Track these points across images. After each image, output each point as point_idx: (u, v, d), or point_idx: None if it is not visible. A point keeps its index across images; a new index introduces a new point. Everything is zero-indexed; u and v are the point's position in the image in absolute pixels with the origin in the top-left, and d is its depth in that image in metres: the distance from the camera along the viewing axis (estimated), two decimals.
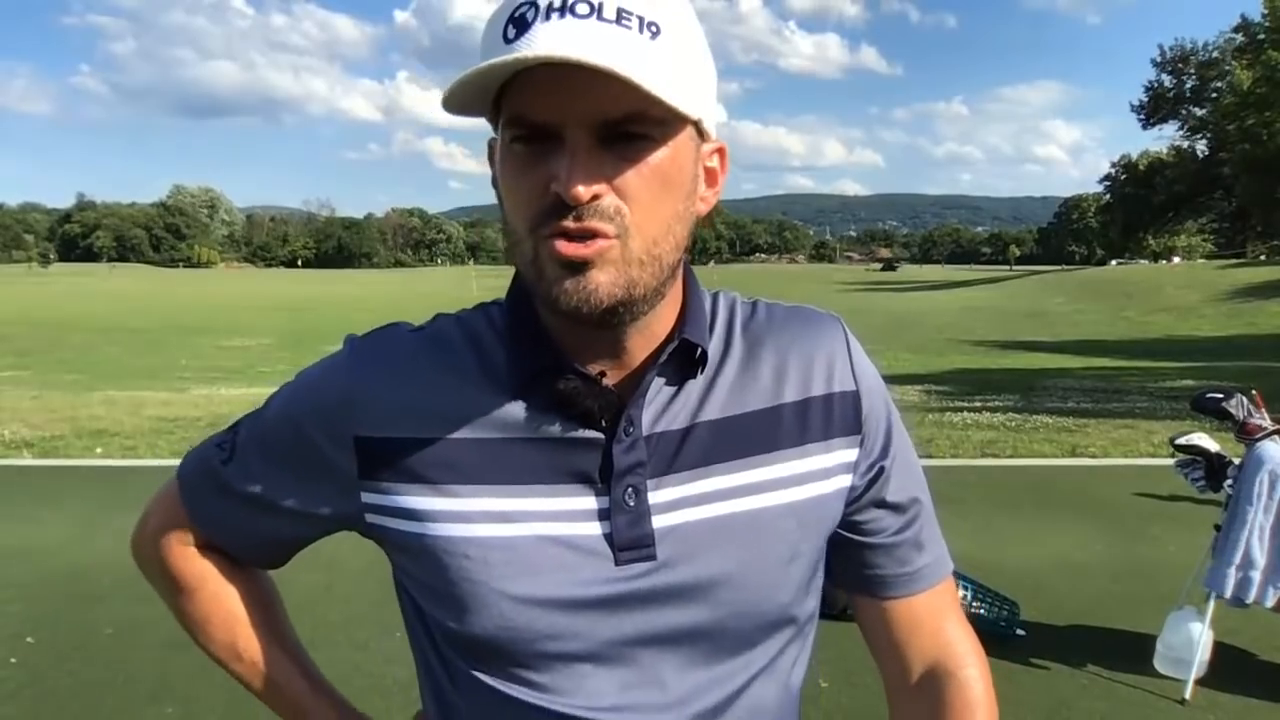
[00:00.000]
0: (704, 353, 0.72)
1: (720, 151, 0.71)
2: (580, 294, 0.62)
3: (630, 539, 0.69)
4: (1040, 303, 35.42)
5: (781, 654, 0.76)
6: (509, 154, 0.64)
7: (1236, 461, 3.18)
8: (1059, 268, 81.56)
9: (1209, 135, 56.36)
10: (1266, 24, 43.37)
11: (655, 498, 0.70)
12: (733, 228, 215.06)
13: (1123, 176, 68.12)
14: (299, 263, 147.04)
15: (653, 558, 0.69)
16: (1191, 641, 3.07)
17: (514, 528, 0.69)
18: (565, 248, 0.62)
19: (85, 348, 19.06)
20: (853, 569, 0.80)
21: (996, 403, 9.54)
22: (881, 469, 0.77)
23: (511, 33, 0.60)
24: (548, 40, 0.58)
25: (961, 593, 3.46)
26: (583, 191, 0.60)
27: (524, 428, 0.70)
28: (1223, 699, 3.03)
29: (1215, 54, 53.40)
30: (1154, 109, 57.62)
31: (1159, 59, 56.77)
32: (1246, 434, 3.15)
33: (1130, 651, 3.33)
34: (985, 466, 6.55)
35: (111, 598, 3.92)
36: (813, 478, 0.74)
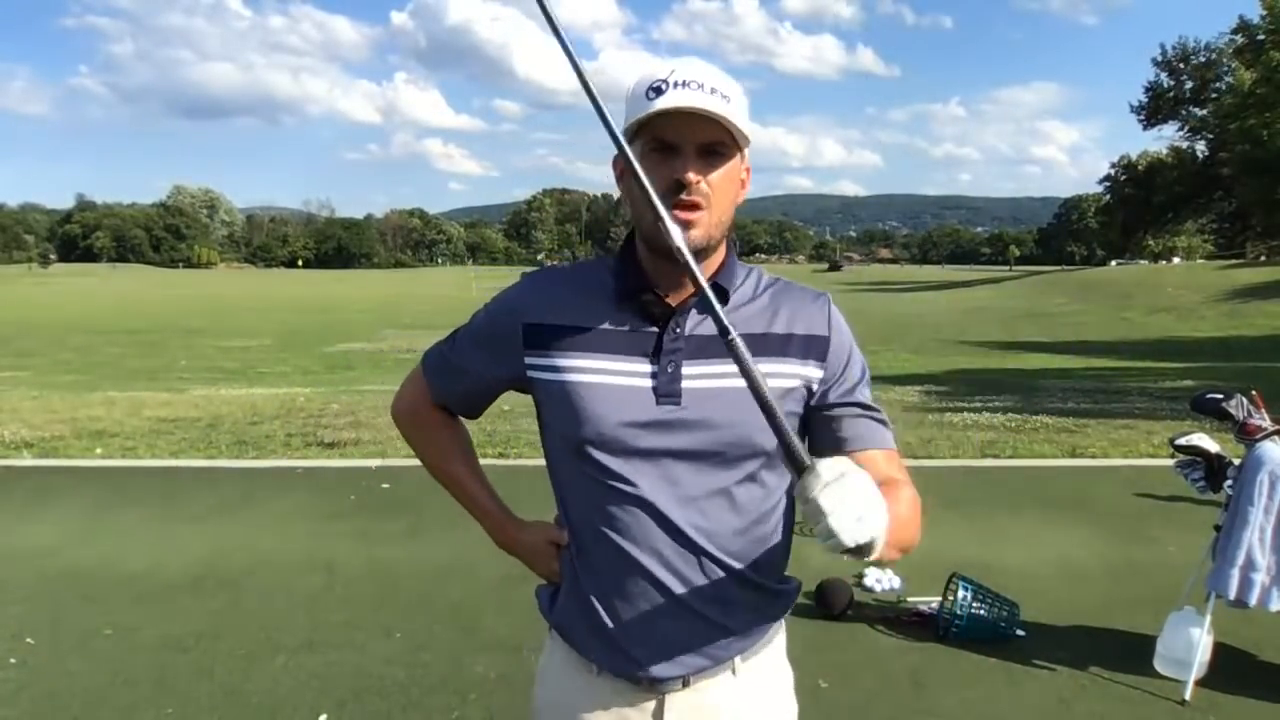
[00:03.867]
0: (728, 293, 1.21)
1: (748, 170, 1.23)
2: (686, 239, 1.07)
3: (667, 391, 1.18)
4: (1040, 303, 35.43)
5: (758, 473, 1.21)
6: (646, 158, 1.13)
7: (1236, 462, 3.18)
8: (1059, 268, 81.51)
9: (1209, 136, 56.32)
10: (1266, 24, 43.35)
11: (686, 370, 1.19)
12: (733, 228, 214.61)
13: (1122, 177, 68.09)
14: (299, 263, 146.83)
15: (679, 403, 1.18)
16: (1191, 642, 3.06)
17: (603, 378, 1.20)
18: (681, 213, 1.13)
19: (85, 348, 19.06)
20: (829, 435, 1.25)
21: (996, 403, 9.54)
22: (843, 383, 1.24)
23: (652, 95, 1.12)
24: (679, 99, 1.11)
25: (961, 593, 3.46)
26: (693, 178, 1.13)
27: (617, 322, 1.21)
28: (1223, 700, 3.03)
29: (1215, 54, 53.37)
30: (1154, 109, 57.53)
31: (1159, 59, 56.75)
32: (1246, 434, 3.14)
33: (1130, 652, 3.33)
34: (985, 467, 6.55)
35: (111, 598, 3.92)
36: (783, 376, 1.21)
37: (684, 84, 1.11)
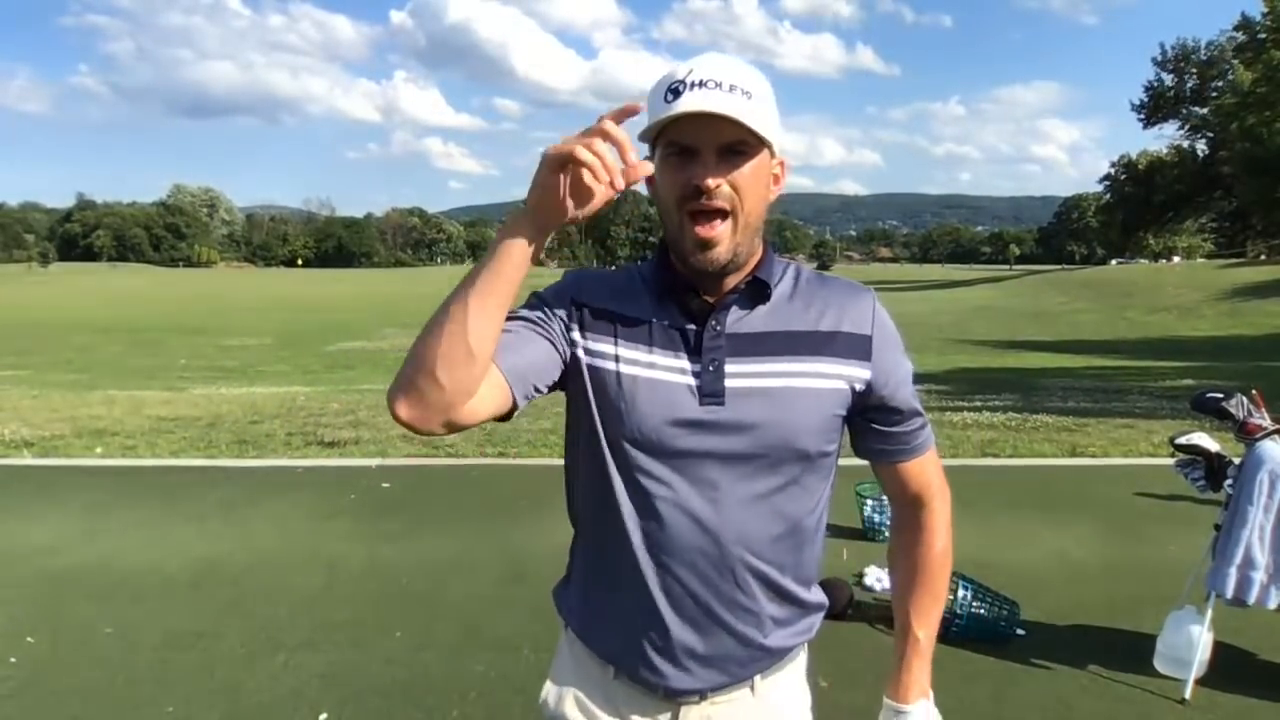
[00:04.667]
0: (769, 288, 1.17)
1: (781, 164, 1.17)
2: (707, 260, 1.11)
3: (710, 389, 1.14)
4: (1040, 302, 35.42)
5: (799, 478, 1.17)
6: (665, 163, 1.11)
7: (1236, 461, 3.18)
8: (1059, 267, 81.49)
9: (1209, 135, 56.29)
10: (1267, 23, 43.31)
11: (729, 369, 1.14)
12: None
13: (1123, 176, 68.06)
14: (299, 262, 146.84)
15: (722, 403, 1.13)
16: (1191, 641, 3.06)
17: (651, 372, 1.15)
18: (701, 230, 1.10)
19: (85, 347, 19.06)
20: (876, 445, 1.25)
21: (996, 403, 9.53)
22: (886, 385, 1.20)
23: (670, 97, 1.07)
24: (695, 100, 1.05)
25: (961, 593, 3.46)
26: (713, 183, 1.08)
27: (660, 318, 1.17)
28: (1223, 699, 3.03)
29: (1216, 53, 53.32)
30: (1154, 108, 57.52)
31: (1160, 58, 56.71)
32: (1246, 434, 3.14)
33: (1130, 651, 3.33)
34: (985, 466, 6.54)
35: (111, 598, 3.92)
36: (826, 376, 1.16)
37: (701, 84, 1.06)
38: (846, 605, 3.69)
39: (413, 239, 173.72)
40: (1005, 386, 11.45)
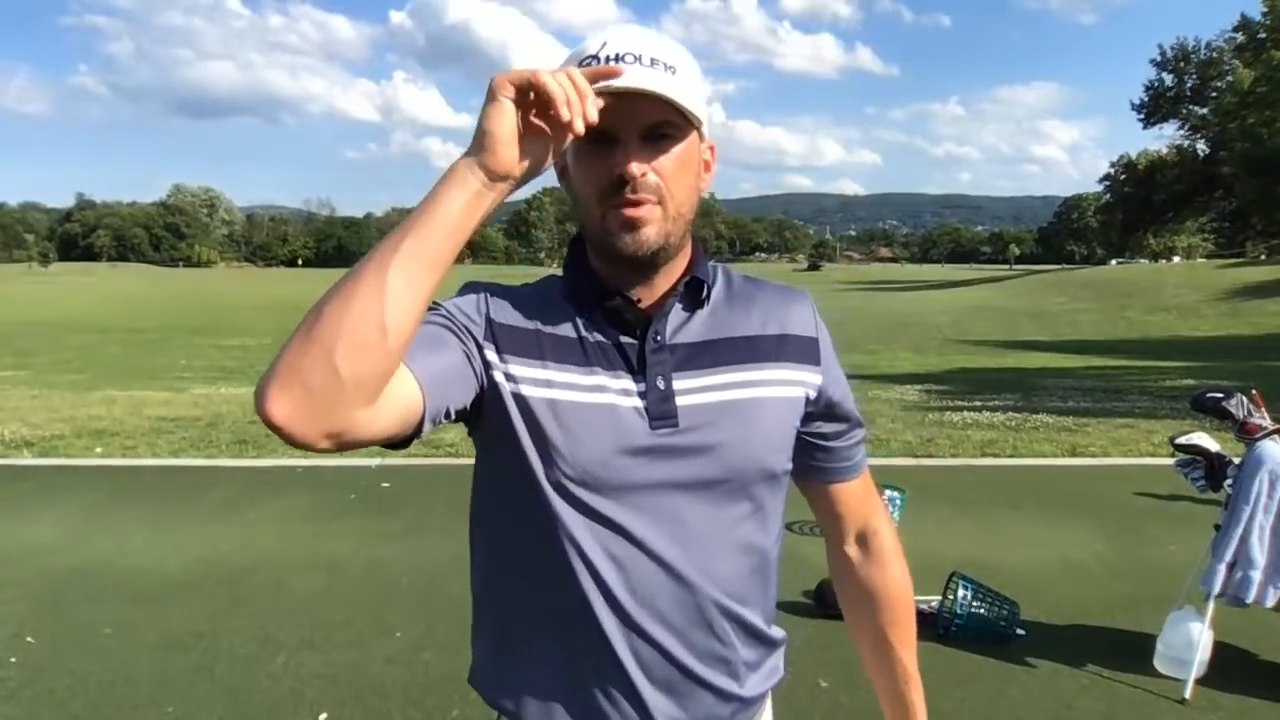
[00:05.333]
0: (708, 287, 1.03)
1: (711, 148, 1.03)
2: (636, 243, 0.95)
3: (660, 411, 0.98)
4: (1040, 302, 35.40)
5: (764, 503, 1.04)
6: (580, 152, 0.95)
7: (1236, 461, 3.18)
8: (1059, 267, 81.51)
9: (1209, 135, 56.29)
10: (1267, 23, 43.32)
11: (677, 385, 0.99)
12: (733, 227, 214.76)
13: (1122, 176, 68.01)
14: (299, 262, 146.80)
15: (676, 425, 0.98)
16: (1191, 641, 3.06)
17: (591, 396, 0.97)
18: (629, 211, 0.94)
19: (85, 348, 19.04)
20: (815, 462, 1.13)
21: (996, 403, 9.54)
22: (833, 396, 1.09)
23: None
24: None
25: (961, 593, 3.46)
26: (636, 170, 0.93)
27: (590, 330, 1.00)
28: (1223, 699, 3.03)
29: (1216, 53, 53.33)
30: (1154, 108, 57.50)
31: (1159, 58, 56.71)
32: (1246, 434, 3.14)
33: (1130, 651, 3.33)
34: (985, 466, 6.55)
35: (111, 598, 3.92)
36: (783, 384, 1.04)
37: (618, 58, 0.91)
38: None
39: None
40: (1005, 386, 11.45)
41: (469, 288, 1.02)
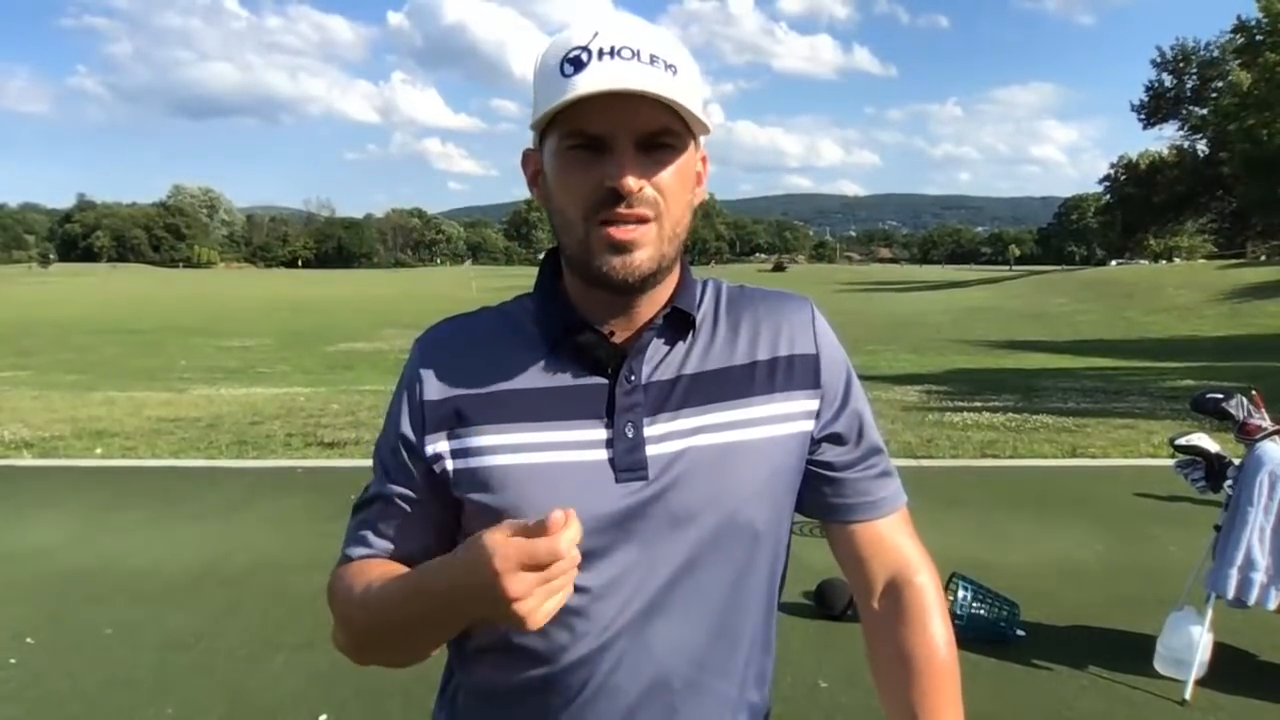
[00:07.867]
0: (692, 319, 0.90)
1: (704, 159, 0.90)
2: (626, 268, 0.82)
3: (628, 462, 0.85)
4: (1040, 303, 35.40)
5: (755, 558, 0.91)
6: (563, 158, 0.82)
7: (1236, 462, 3.18)
8: (1059, 268, 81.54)
9: (1209, 135, 56.28)
10: (1264, 25, 43.34)
11: (649, 431, 0.86)
12: (733, 228, 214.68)
13: (1122, 176, 68.03)
14: (299, 263, 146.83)
15: (645, 478, 0.85)
16: (1191, 642, 3.06)
17: (540, 455, 0.85)
18: (617, 233, 0.81)
19: (85, 348, 19.04)
20: (825, 498, 0.96)
21: (996, 403, 9.53)
22: (840, 417, 0.94)
23: (569, 70, 0.79)
24: (606, 75, 0.78)
25: (961, 593, 3.46)
26: (633, 184, 0.80)
27: (550, 377, 0.88)
28: (1223, 700, 3.03)
29: (1215, 53, 53.35)
30: (1154, 109, 57.55)
31: (1159, 59, 56.74)
32: (1246, 434, 3.14)
33: (1130, 652, 3.33)
34: (985, 466, 6.55)
35: (111, 598, 3.92)
36: (776, 420, 0.90)
37: (612, 52, 0.79)
38: (846, 605, 3.68)
39: (412, 240, 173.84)
40: (1005, 387, 11.45)
41: (414, 355, 0.92)
